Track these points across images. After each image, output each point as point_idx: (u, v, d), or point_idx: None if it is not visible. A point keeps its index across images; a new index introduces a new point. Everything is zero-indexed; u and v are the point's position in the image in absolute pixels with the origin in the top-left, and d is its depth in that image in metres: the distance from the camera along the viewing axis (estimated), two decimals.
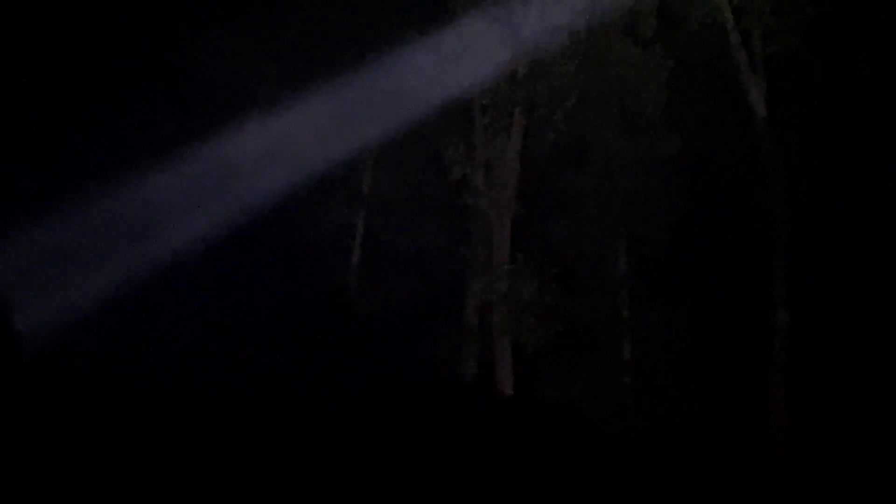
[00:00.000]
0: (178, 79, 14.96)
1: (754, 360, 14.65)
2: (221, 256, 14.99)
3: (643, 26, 14.93)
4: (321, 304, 15.95)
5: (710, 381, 14.41)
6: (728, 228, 16.24)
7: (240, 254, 15.29)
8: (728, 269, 16.25)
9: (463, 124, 14.98)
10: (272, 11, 15.19)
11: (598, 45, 14.46)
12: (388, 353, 17.92)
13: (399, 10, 14.60)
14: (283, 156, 15.09)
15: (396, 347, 17.95)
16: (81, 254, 13.18)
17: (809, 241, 15.75)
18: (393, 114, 14.22)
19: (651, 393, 14.15)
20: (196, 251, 14.58)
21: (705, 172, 16.14)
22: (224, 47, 14.80)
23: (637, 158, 15.39)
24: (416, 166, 15.24)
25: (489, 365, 14.92)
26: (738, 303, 15.84)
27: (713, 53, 15.99)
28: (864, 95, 15.40)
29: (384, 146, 14.84)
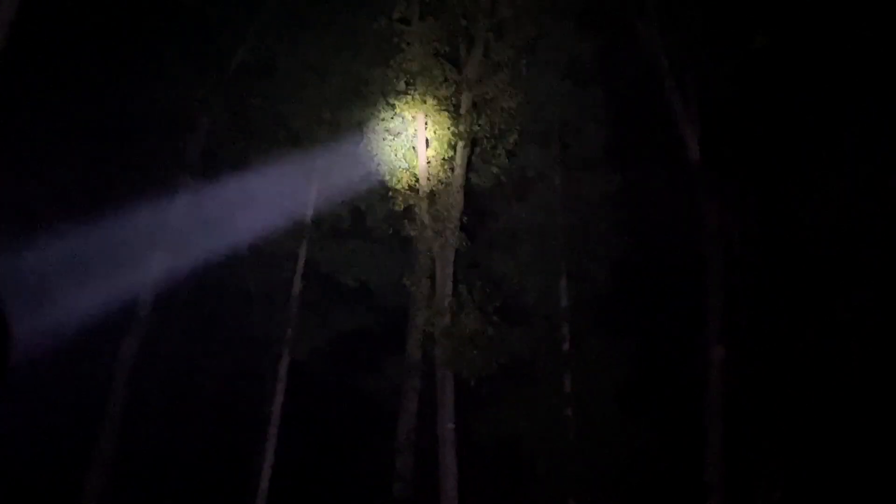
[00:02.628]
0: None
1: (693, 392, 14.60)
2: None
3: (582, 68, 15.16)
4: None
5: (650, 414, 14.28)
6: (667, 265, 16.35)
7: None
8: (668, 305, 16.31)
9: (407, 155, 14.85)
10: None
11: (539, 84, 14.57)
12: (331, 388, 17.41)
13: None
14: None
15: (339, 380, 17.44)
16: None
17: (745, 278, 15.93)
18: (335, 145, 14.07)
19: (592, 425, 13.93)
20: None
21: (645, 210, 16.29)
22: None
23: (578, 195, 15.44)
24: (361, 196, 15.00)
25: (432, 398, 14.54)
26: (677, 337, 15.86)
27: (651, 95, 16.33)
28: (797, 138, 15.81)
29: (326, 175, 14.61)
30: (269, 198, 14.80)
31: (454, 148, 14.29)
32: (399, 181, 14.16)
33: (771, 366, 15.26)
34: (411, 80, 13.73)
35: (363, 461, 17.08)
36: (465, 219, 14.57)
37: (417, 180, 14.56)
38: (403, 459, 16.22)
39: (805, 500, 13.88)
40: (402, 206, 14.48)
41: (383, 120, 14.26)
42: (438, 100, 13.66)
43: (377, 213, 15.09)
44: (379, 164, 14.40)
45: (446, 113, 14.09)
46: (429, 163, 14.43)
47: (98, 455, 13.91)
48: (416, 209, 14.47)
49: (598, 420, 13.86)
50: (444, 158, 14.45)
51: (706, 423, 13.81)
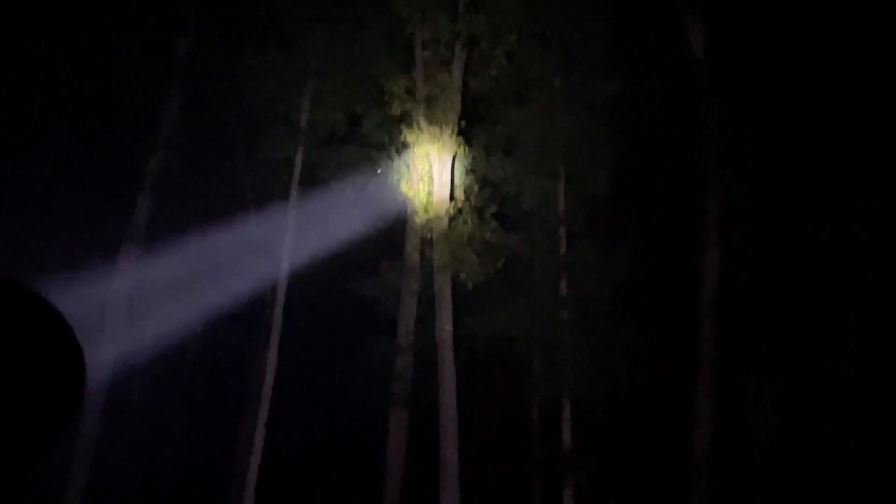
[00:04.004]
0: None
1: (688, 295, 14.70)
2: None
3: None
4: None
5: (644, 317, 14.42)
6: (666, 169, 16.13)
7: None
8: (665, 209, 16.20)
9: (404, 59, 14.36)
10: None
11: None
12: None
13: None
14: None
15: (338, 285, 17.53)
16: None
17: (744, 182, 15.76)
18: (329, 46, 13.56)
19: (587, 327, 14.08)
20: None
21: (646, 113, 15.92)
22: None
23: (579, 98, 15.03)
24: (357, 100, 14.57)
25: (431, 301, 14.66)
26: (673, 241, 15.84)
27: None
28: (803, 36, 15.27)
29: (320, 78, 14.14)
30: (261, 101, 14.39)
31: (452, 51, 13.80)
32: (396, 85, 13.77)
33: (766, 269, 15.31)
34: None
35: (363, 363, 17.38)
36: (462, 124, 14.26)
37: (415, 84, 14.16)
38: (403, 361, 16.48)
39: (797, 403, 14.20)
40: (400, 111, 14.14)
41: (378, 20, 13.74)
42: None
43: (374, 119, 14.74)
44: (374, 66, 13.96)
45: (444, 12, 13.54)
46: (426, 65, 13.98)
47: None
48: (414, 114, 14.13)
49: (593, 322, 13.99)
50: (441, 62, 14.00)
51: (699, 327, 13.98)
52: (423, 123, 13.91)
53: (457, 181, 14.25)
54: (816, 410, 13.18)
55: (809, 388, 13.77)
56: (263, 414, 14.72)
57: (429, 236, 14.04)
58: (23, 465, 0.47)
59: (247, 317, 17.76)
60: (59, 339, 0.48)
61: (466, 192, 14.10)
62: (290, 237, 15.22)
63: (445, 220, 13.91)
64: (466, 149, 14.33)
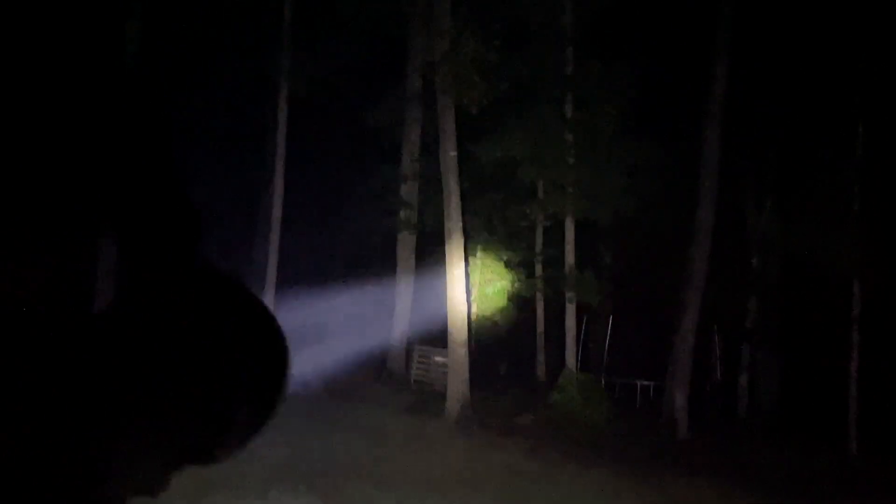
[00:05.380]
0: None
1: (693, 113, 14.37)
2: None
3: None
4: None
5: (651, 136, 14.20)
6: None
7: None
8: (674, 25, 15.46)
9: None
10: None
11: None
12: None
13: None
14: None
15: (341, 114, 17.14)
16: None
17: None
18: None
19: (593, 148, 13.90)
20: None
21: None
22: None
23: None
24: None
25: (434, 128, 14.37)
26: (682, 58, 15.25)
27: None
28: None
29: None
30: None
31: None
32: None
33: (774, 78, 14.86)
34: None
35: (369, 190, 17.42)
36: None
37: None
38: (408, 187, 16.52)
39: (797, 216, 14.29)
40: None
41: None
42: None
43: None
44: None
45: None
46: None
47: None
48: None
49: (600, 143, 13.79)
50: None
51: (704, 142, 13.76)
52: None
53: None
54: (815, 222, 13.31)
55: (810, 201, 13.83)
56: (275, 239, 14.95)
57: (431, 59, 13.48)
58: (227, 455, 0.47)
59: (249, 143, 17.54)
60: (268, 332, 0.48)
61: (470, 8, 13.33)
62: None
63: (448, 41, 13.28)
64: None
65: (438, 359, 14.97)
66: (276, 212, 14.91)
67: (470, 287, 14.79)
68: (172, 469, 0.46)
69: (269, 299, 14.37)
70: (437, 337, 14.79)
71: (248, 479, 7.09)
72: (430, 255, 15.78)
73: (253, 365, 0.48)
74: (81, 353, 0.42)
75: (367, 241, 18.21)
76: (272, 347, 0.50)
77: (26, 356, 0.41)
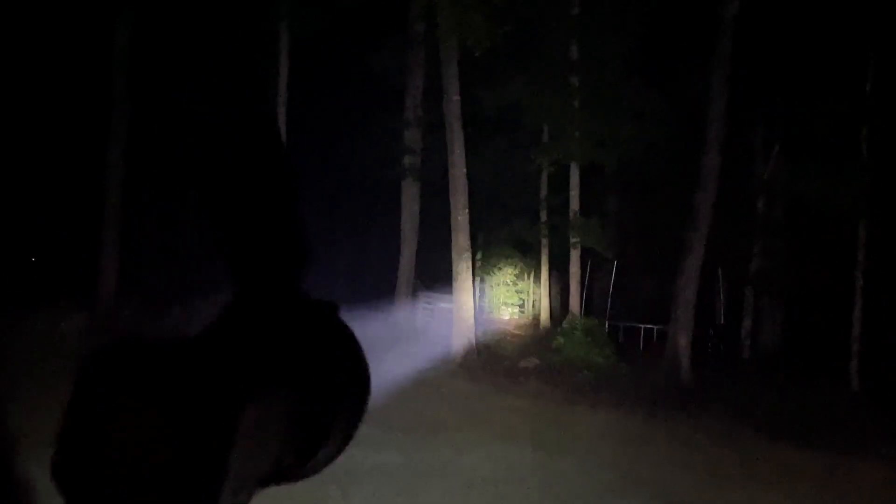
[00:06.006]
0: None
1: (701, 56, 14.05)
2: None
3: None
4: None
5: (657, 81, 13.92)
6: None
7: None
8: None
9: None
10: None
11: None
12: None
13: None
14: None
15: (343, 60, 16.82)
16: None
17: None
18: None
19: (599, 92, 13.65)
20: None
21: None
22: None
23: None
24: None
25: (438, 73, 14.11)
26: None
27: None
28: None
29: None
30: None
31: None
32: None
33: (782, 17, 14.50)
34: None
35: (372, 138, 17.21)
36: None
37: None
38: (411, 134, 16.32)
39: (804, 156, 14.09)
40: None
41: None
42: None
43: None
44: None
45: None
46: None
47: None
48: None
49: (605, 87, 13.54)
50: None
51: (711, 86, 13.48)
52: None
53: None
54: (823, 166, 13.13)
55: (817, 144, 13.62)
56: None
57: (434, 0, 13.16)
58: (305, 475, 0.49)
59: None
60: (355, 358, 0.52)
61: None
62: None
63: None
64: None
65: (443, 305, 15.03)
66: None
67: (475, 233, 14.74)
68: (258, 487, 0.47)
69: None
70: (443, 284, 14.82)
71: None
72: (434, 202, 15.68)
73: (341, 388, 0.51)
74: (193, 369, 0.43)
75: (371, 190, 18.11)
76: (357, 372, 0.53)
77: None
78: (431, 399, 10.02)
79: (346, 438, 0.52)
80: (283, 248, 0.51)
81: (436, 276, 16.12)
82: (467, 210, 13.41)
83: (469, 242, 13.61)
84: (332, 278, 15.41)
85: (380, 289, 16.37)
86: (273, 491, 0.50)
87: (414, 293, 16.42)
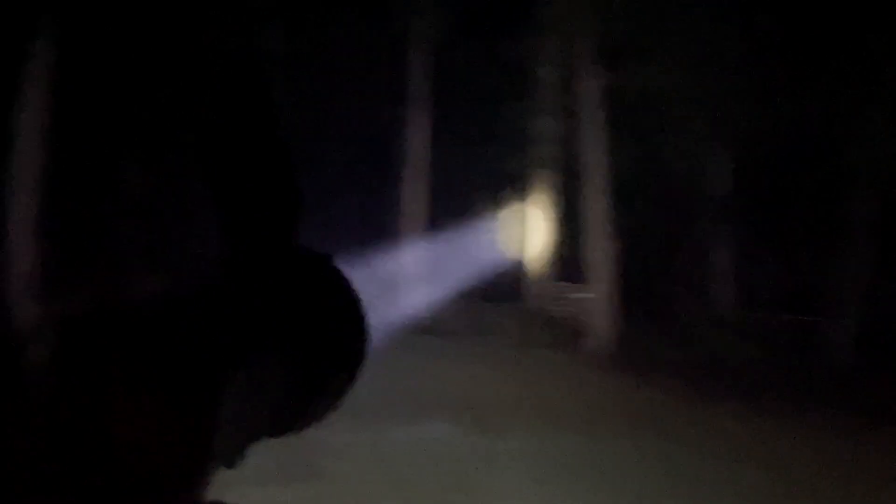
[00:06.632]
0: None
1: None
2: None
3: None
4: None
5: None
6: None
7: None
8: None
9: None
10: None
11: None
12: None
13: None
14: None
15: None
16: None
17: None
18: None
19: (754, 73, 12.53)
20: None
21: None
22: None
23: None
24: None
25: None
26: None
27: None
28: None
29: None
30: None
31: None
32: None
33: None
34: None
35: (506, 127, 16.83)
36: None
37: None
38: (544, 122, 15.95)
39: None
40: None
41: None
42: None
43: None
44: None
45: None
46: None
47: None
48: None
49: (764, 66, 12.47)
50: None
51: None
52: None
53: None
54: None
55: None
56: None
57: None
58: (305, 426, 0.49)
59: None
60: (353, 311, 0.51)
61: None
62: None
63: None
64: None
65: (577, 295, 14.69)
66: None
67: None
68: (252, 442, 0.46)
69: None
70: (576, 272, 14.50)
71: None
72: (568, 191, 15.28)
73: (336, 345, 0.50)
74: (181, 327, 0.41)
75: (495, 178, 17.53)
76: (355, 322, 0.51)
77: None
78: (568, 394, 9.84)
79: (346, 388, 0.51)
80: (271, 197, 0.47)
81: (567, 264, 15.64)
82: (604, 198, 13.02)
83: (606, 228, 13.16)
84: (451, 268, 15.39)
85: (505, 277, 16.17)
86: None
87: (545, 281, 16.12)
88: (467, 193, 17.50)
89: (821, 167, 13.07)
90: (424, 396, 8.45)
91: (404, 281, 15.10)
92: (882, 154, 11.66)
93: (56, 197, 0.38)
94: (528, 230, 16.24)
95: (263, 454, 0.52)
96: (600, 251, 13.06)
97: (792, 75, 12.36)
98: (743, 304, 14.92)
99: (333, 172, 16.73)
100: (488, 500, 5.88)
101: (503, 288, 15.87)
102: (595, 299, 12.94)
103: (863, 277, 12.68)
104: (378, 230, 16.51)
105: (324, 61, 16.21)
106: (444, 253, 15.86)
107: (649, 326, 13.81)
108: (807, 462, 7.22)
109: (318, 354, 0.49)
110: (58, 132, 0.38)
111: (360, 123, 17.52)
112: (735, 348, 11.95)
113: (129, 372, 0.40)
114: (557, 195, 15.79)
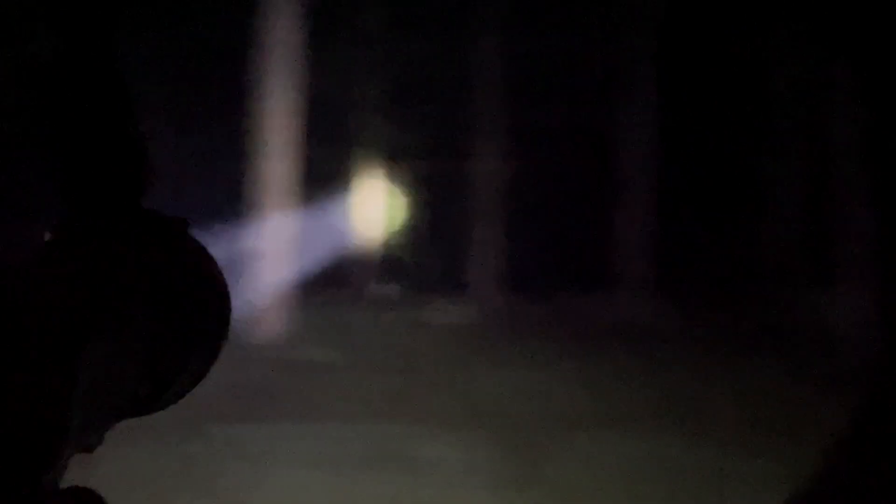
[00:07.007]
0: None
1: None
2: None
3: None
4: None
5: None
6: None
7: None
8: None
9: None
10: None
11: None
12: None
13: None
14: None
15: None
16: None
17: None
18: None
19: None
20: None
21: None
22: None
23: None
24: None
25: None
26: None
27: None
28: None
29: None
30: None
31: None
32: None
33: None
34: None
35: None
36: None
37: None
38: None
39: None
40: None
41: None
42: None
43: None
44: None
45: None
46: None
47: None
48: None
49: None
50: None
51: None
52: None
53: None
54: None
55: None
56: None
57: None
58: (164, 405, 0.49)
59: None
60: (210, 282, 0.50)
61: None
62: None
63: None
64: None
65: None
66: None
67: None
68: (111, 423, 0.45)
69: None
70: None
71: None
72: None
73: (196, 314, 0.49)
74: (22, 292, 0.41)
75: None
76: (213, 293, 0.50)
77: None
78: None
79: (207, 363, 0.49)
80: (118, 163, 0.47)
81: None
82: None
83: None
84: None
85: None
86: None
87: None
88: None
89: None
90: None
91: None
92: None
93: None
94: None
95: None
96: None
97: None
98: None
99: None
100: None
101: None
102: None
103: None
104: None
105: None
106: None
107: None
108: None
109: (176, 326, 0.46)
110: None
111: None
112: None
113: None
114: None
